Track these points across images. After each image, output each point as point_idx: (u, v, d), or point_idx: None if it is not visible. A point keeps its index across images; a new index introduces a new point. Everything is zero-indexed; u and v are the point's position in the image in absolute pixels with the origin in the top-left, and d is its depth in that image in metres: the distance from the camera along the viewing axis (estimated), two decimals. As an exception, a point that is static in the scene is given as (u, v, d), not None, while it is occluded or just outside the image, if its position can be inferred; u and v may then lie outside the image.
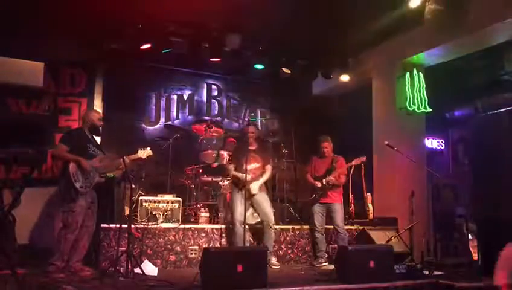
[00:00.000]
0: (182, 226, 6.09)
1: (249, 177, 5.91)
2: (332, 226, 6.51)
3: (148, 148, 5.61)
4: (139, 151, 5.53)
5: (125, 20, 6.82)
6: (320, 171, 6.55)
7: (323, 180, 6.41)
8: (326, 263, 6.33)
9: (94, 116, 5.49)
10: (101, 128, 5.56)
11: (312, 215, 6.51)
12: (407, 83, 7.55)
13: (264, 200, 6.17)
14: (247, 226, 5.92)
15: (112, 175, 6.27)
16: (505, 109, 7.90)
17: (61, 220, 5.11)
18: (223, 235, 6.25)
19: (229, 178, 6.64)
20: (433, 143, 9.19)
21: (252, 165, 6.11)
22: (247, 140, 6.21)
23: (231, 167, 6.23)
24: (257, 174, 6.15)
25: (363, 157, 6.46)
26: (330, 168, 6.47)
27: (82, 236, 5.12)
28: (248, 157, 5.98)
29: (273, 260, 6.10)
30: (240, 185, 6.04)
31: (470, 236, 7.20)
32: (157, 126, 8.44)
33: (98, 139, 6.88)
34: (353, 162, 6.50)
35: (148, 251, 5.78)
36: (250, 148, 6.21)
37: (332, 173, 6.39)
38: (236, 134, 8.35)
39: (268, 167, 6.27)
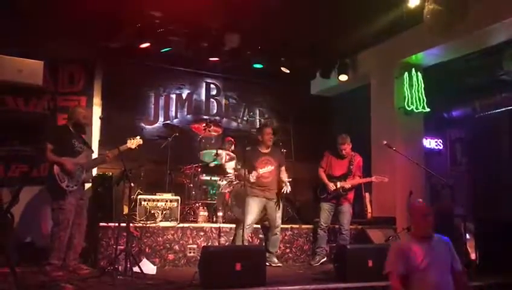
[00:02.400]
0: (181, 225, 6.09)
1: (265, 180, 5.98)
2: (336, 225, 6.46)
3: (138, 137, 5.47)
4: (128, 141, 5.40)
5: (125, 19, 6.81)
6: (337, 171, 6.36)
7: (338, 183, 6.24)
8: (325, 259, 6.26)
9: (79, 114, 5.35)
10: (87, 126, 5.49)
11: (319, 211, 6.38)
12: (405, 82, 7.56)
13: (275, 207, 6.13)
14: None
15: (111, 174, 6.29)
16: (503, 109, 7.95)
17: (51, 218, 5.08)
18: (222, 234, 6.25)
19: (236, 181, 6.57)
20: (431, 143, 9.22)
21: (267, 169, 6.05)
22: (264, 141, 6.13)
23: (253, 174, 5.93)
24: (272, 177, 6.09)
25: (385, 178, 6.26)
26: (347, 172, 6.29)
27: (74, 234, 5.09)
28: (261, 161, 6.00)
29: (274, 259, 6.11)
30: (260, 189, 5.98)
31: (467, 236, 7.22)
32: (155, 125, 8.44)
33: (96, 136, 6.94)
34: (373, 178, 6.36)
35: (147, 249, 5.77)
36: (264, 151, 6.15)
37: (349, 178, 6.25)
38: (236, 133, 8.37)
39: (283, 169, 6.22)
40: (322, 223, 6.34)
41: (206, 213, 6.71)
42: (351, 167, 6.30)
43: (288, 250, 6.60)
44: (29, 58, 5.14)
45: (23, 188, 4.81)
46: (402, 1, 6.29)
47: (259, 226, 6.42)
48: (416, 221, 3.44)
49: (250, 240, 6.36)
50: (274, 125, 8.83)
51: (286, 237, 6.61)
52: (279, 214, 6.16)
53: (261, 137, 6.17)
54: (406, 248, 3.37)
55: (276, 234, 6.11)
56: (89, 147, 5.47)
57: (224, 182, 7.09)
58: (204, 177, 7.23)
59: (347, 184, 6.22)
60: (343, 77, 8.40)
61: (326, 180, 6.31)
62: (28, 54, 5.30)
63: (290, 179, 6.26)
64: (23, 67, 4.83)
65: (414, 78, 7.59)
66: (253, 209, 5.89)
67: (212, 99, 9.10)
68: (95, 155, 5.77)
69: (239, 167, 6.70)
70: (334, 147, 6.48)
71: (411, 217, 3.52)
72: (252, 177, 5.85)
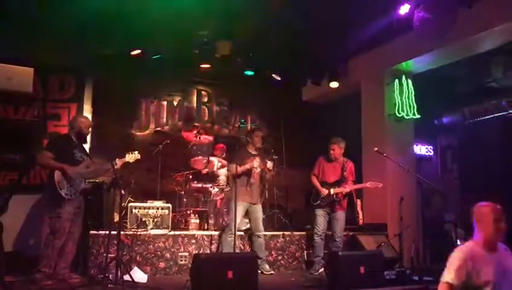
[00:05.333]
0: (172, 232, 6.06)
1: (252, 181, 5.98)
2: (329, 232, 6.39)
3: (136, 152, 5.44)
4: (127, 156, 5.37)
5: (115, 26, 6.79)
6: (330, 176, 6.32)
7: (332, 190, 6.20)
8: (322, 269, 6.12)
9: (82, 123, 5.31)
10: (88, 136, 5.42)
11: (314, 218, 6.32)
12: (396, 89, 7.62)
13: (260, 212, 6.15)
14: (238, 233, 5.93)
15: (101, 181, 6.24)
16: (492, 116, 8.03)
17: (48, 226, 5.02)
18: (213, 241, 6.23)
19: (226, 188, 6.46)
20: (421, 149, 9.27)
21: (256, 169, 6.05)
22: (253, 143, 6.11)
23: (233, 166, 5.94)
24: (256, 181, 6.08)
25: (379, 183, 6.22)
26: (341, 178, 6.27)
27: (67, 242, 5.03)
28: (251, 160, 5.96)
29: (266, 266, 6.06)
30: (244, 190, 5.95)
31: (458, 242, 7.25)
32: (146, 132, 8.42)
33: (87, 145, 6.88)
34: (368, 184, 6.32)
35: (138, 257, 5.73)
36: (252, 152, 6.13)
37: (342, 185, 6.21)
38: (227, 140, 8.38)
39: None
40: (319, 230, 6.27)
41: (197, 221, 6.69)
42: (344, 173, 6.28)
43: (280, 257, 6.58)
44: (20, 65, 5.09)
45: (12, 196, 4.74)
46: (392, 9, 6.35)
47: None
48: (485, 226, 2.93)
49: (242, 247, 6.34)
50: (264, 132, 8.80)
51: (278, 244, 6.59)
52: (261, 218, 6.15)
53: (251, 138, 6.18)
54: (475, 258, 2.87)
55: (261, 237, 6.08)
56: (89, 156, 5.43)
57: (216, 190, 7.08)
58: (196, 185, 7.21)
59: (341, 190, 6.19)
60: (334, 84, 8.43)
61: (319, 186, 6.29)
62: (18, 60, 5.25)
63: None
64: (13, 75, 4.78)
65: (404, 85, 7.65)
66: (238, 214, 5.83)
67: (203, 106, 9.10)
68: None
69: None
70: (325, 153, 6.49)
71: (478, 221, 2.98)
72: (257, 162, 5.88)
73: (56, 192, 4.88)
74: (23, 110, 6.74)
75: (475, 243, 2.99)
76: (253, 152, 6.14)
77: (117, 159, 5.31)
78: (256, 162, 5.94)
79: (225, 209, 6.79)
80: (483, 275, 2.82)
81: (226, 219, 6.66)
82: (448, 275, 2.87)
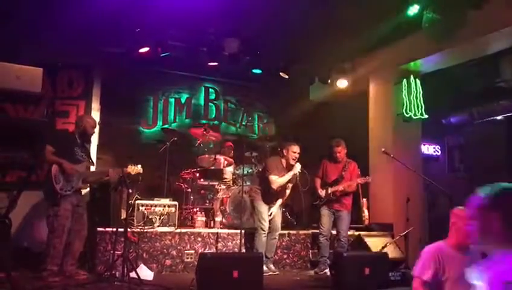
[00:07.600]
0: (178, 230, 6.09)
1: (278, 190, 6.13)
2: (334, 232, 6.38)
3: (139, 166, 5.49)
4: (129, 167, 5.42)
5: (124, 24, 6.82)
6: (332, 176, 6.37)
7: (329, 189, 6.24)
8: (327, 269, 6.06)
9: (87, 123, 5.33)
10: (92, 136, 5.44)
11: (319, 217, 6.33)
12: (404, 89, 7.57)
13: (280, 212, 6.24)
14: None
15: (107, 178, 6.29)
16: (500, 116, 7.98)
17: (46, 225, 5.05)
18: (219, 239, 6.25)
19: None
20: (429, 149, 9.24)
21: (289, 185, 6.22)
22: (287, 159, 6.10)
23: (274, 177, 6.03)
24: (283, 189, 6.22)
25: (368, 178, 6.27)
26: (339, 177, 6.30)
27: (73, 240, 5.08)
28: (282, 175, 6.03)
29: (271, 266, 6.08)
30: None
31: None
32: (154, 129, 8.46)
33: (94, 140, 6.94)
34: (358, 180, 6.29)
35: (144, 255, 5.78)
36: (285, 168, 6.13)
37: (340, 183, 6.23)
38: (234, 138, 8.40)
39: (290, 186, 6.29)
40: (324, 229, 6.26)
41: (204, 218, 6.72)
42: (343, 172, 6.30)
43: (285, 256, 6.59)
44: (28, 64, 5.12)
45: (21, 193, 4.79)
46: (401, 8, 6.32)
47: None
48: (459, 230, 3.07)
49: (248, 245, 6.36)
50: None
51: (284, 243, 6.60)
52: (280, 220, 6.22)
53: (286, 152, 6.13)
54: (440, 254, 3.05)
55: (276, 238, 6.14)
56: (91, 158, 5.46)
57: (222, 187, 7.10)
58: (203, 182, 7.23)
59: (336, 188, 6.22)
60: (342, 83, 8.40)
61: (318, 188, 6.36)
62: (27, 58, 5.27)
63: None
64: (22, 74, 4.80)
65: (413, 85, 7.60)
66: (266, 214, 5.96)
67: (211, 104, 9.12)
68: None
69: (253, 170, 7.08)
70: (329, 154, 6.50)
71: (453, 224, 3.15)
72: (299, 166, 6.01)
73: (52, 187, 4.91)
74: (32, 109, 6.80)
75: (444, 243, 3.15)
76: (285, 167, 6.12)
77: (118, 169, 5.33)
78: (298, 166, 6.01)
79: (231, 207, 6.80)
80: (448, 272, 2.96)
81: (233, 217, 6.69)
82: (417, 270, 3.05)
